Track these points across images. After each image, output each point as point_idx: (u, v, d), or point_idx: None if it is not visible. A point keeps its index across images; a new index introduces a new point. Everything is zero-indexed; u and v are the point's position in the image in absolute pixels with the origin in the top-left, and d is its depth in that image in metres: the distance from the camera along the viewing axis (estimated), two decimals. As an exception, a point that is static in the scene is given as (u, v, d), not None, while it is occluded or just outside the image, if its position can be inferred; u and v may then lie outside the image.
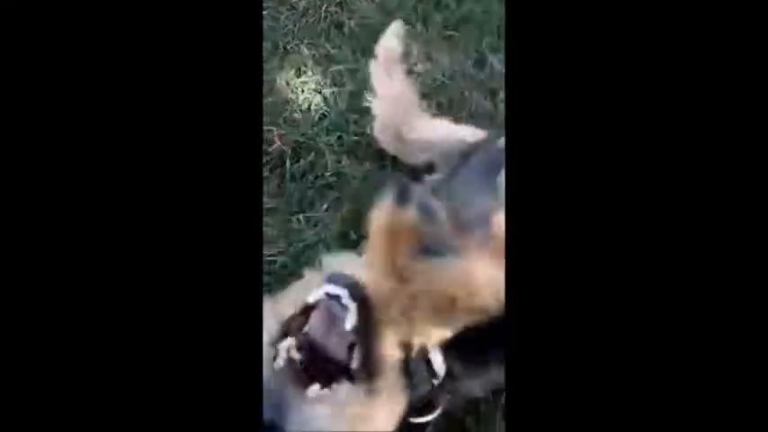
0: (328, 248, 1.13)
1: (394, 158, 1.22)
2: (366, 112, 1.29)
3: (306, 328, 0.68)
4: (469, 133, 1.08)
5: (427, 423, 0.80)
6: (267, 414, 0.62)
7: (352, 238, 1.14)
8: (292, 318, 0.71)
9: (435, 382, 0.78)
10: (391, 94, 1.10)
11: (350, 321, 0.68)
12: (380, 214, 0.76)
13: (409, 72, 1.19)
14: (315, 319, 0.68)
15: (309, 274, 0.84)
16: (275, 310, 0.73)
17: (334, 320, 0.67)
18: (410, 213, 0.73)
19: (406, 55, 1.13)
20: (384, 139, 1.17)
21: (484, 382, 0.82)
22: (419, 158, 1.14)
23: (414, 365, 0.76)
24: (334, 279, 0.71)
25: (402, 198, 0.74)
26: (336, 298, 0.68)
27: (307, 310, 0.70)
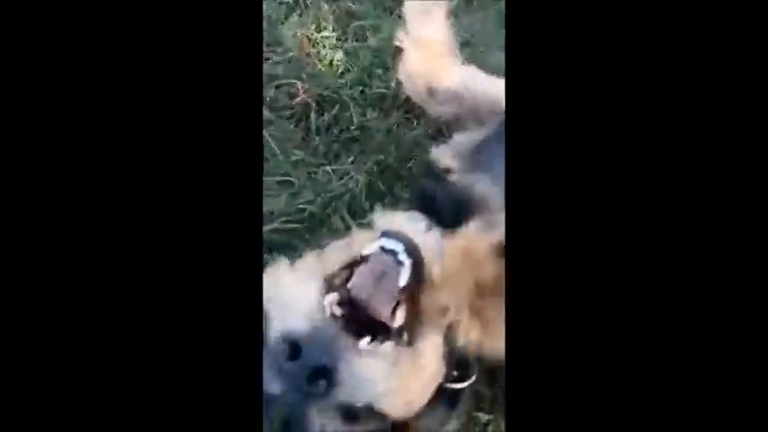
0: (355, 200, 1.14)
1: (419, 113, 1.23)
2: (389, 66, 1.29)
3: (350, 284, 0.67)
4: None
5: (463, 390, 0.80)
6: (321, 360, 0.62)
7: (379, 190, 1.15)
8: (337, 272, 0.70)
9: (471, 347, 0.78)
10: (426, 36, 1.05)
11: (404, 277, 0.67)
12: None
13: (451, 15, 1.12)
14: (361, 274, 0.67)
15: (354, 231, 0.84)
16: (320, 264, 0.73)
17: (383, 276, 0.66)
18: None
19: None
20: (412, 87, 1.11)
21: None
22: (447, 112, 1.11)
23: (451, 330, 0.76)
24: (389, 234, 0.70)
25: None
26: (392, 253, 0.68)
27: (354, 264, 0.69)
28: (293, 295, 0.66)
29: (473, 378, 0.78)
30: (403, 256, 0.68)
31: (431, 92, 1.10)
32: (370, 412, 0.65)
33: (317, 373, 0.60)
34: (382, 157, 1.19)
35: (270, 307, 0.67)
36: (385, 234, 0.70)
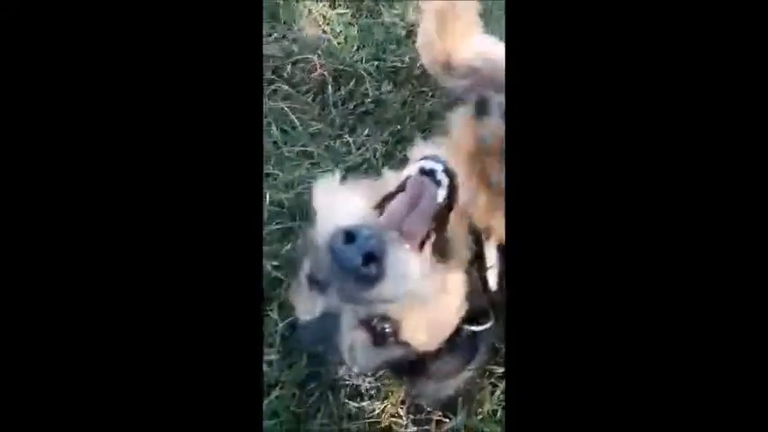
0: (373, 168, 1.18)
1: (433, 86, 1.26)
2: (402, 42, 1.33)
3: (384, 212, 0.72)
4: None
5: (480, 334, 0.83)
6: (372, 245, 0.64)
7: (398, 158, 1.19)
8: (388, 194, 0.74)
9: (492, 281, 0.82)
10: (444, 7, 1.03)
11: (441, 194, 0.71)
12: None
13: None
14: (399, 202, 0.71)
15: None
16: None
17: (419, 199, 0.72)
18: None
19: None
20: (428, 60, 1.09)
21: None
22: (463, 85, 1.08)
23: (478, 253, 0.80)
24: (428, 156, 0.74)
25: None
26: (431, 173, 0.72)
27: (395, 193, 0.73)
28: (342, 207, 0.71)
29: (490, 323, 0.82)
30: (441, 175, 0.73)
31: (448, 65, 1.08)
32: (396, 341, 0.70)
33: (368, 257, 0.64)
34: (398, 127, 1.23)
35: (321, 212, 0.73)
36: (425, 157, 0.75)
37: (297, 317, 0.77)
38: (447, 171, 0.72)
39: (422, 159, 0.73)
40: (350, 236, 0.63)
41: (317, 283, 0.70)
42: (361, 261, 0.62)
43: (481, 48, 1.07)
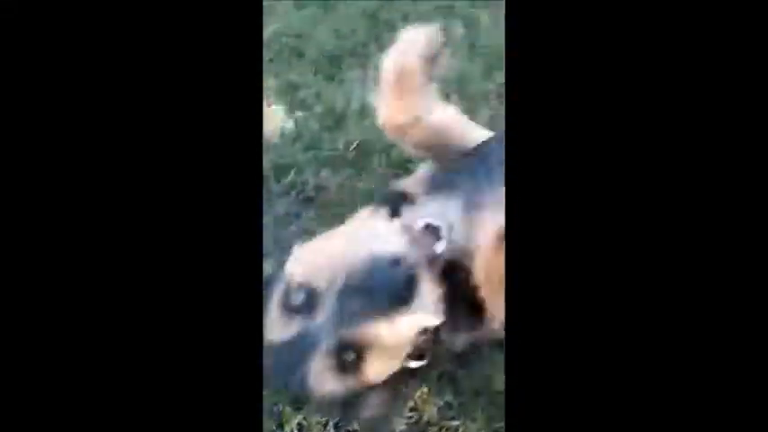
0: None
1: (370, 169, 1.36)
2: (338, 128, 1.43)
3: None
4: (480, 134, 1.07)
5: (417, 369, 0.89)
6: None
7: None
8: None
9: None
10: (399, 80, 0.99)
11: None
12: None
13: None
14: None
15: None
16: None
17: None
18: None
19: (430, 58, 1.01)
20: (390, 126, 1.05)
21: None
22: (416, 153, 1.09)
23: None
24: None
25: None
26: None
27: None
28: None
29: (427, 360, 0.88)
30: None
31: (402, 132, 1.06)
32: (355, 372, 0.79)
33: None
34: (340, 209, 1.30)
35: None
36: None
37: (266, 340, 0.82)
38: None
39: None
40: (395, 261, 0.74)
41: (289, 309, 0.78)
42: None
43: (434, 118, 1.05)
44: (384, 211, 0.90)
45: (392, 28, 1.50)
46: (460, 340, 0.90)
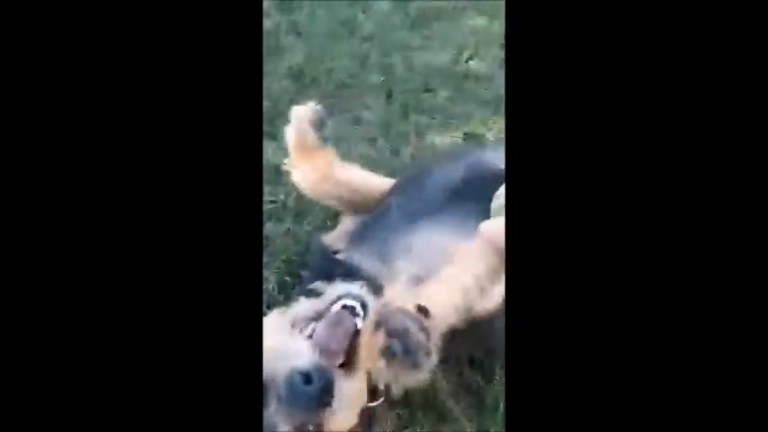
0: (273, 299, 1.38)
1: (306, 216, 1.51)
2: (276, 182, 1.58)
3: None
4: (384, 182, 1.31)
5: (376, 408, 1.00)
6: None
7: (290, 283, 1.40)
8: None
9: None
10: (304, 153, 1.30)
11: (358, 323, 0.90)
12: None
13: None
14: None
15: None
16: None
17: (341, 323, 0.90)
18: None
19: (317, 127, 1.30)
20: (308, 187, 1.35)
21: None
22: (335, 206, 1.37)
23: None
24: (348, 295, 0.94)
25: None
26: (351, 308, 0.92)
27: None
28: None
29: (381, 399, 1.01)
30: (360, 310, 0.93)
31: (318, 193, 1.36)
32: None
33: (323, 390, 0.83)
34: (285, 256, 1.45)
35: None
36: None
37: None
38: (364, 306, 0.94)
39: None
40: (308, 377, 0.81)
41: None
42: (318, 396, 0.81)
43: (341, 176, 1.32)
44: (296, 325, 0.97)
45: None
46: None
